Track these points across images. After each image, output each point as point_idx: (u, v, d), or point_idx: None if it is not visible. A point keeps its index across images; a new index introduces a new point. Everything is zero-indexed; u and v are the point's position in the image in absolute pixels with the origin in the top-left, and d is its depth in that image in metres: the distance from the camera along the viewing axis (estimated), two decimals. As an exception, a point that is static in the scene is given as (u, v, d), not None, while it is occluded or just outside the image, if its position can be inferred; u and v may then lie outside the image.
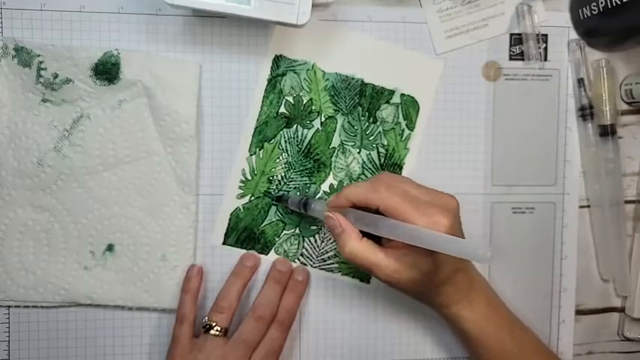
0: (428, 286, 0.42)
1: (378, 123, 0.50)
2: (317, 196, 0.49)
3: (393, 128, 0.50)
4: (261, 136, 0.49)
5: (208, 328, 0.44)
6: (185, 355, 0.44)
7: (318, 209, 0.44)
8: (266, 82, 0.48)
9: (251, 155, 0.49)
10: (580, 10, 0.50)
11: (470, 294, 0.44)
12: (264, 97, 0.48)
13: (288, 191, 0.49)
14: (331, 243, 0.50)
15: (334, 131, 0.49)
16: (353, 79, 0.49)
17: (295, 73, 0.49)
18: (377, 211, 0.40)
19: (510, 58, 0.51)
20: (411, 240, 0.37)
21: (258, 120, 0.48)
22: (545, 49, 0.51)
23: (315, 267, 0.50)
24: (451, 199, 0.41)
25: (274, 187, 0.49)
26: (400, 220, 0.38)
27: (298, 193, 0.49)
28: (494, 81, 0.51)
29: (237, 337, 0.44)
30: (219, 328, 0.44)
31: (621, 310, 0.53)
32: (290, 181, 0.49)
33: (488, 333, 0.44)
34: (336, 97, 0.49)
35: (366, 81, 0.49)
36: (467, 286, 0.44)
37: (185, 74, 0.46)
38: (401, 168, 0.50)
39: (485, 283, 0.46)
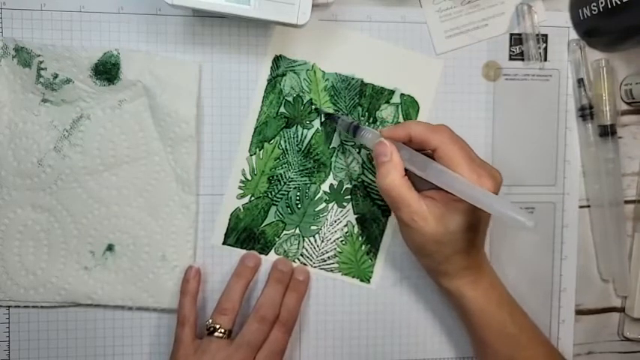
0: (442, 247, 0.42)
1: (378, 123, 0.50)
2: (317, 197, 0.49)
3: (393, 128, 0.50)
4: (261, 136, 0.49)
5: (212, 330, 0.44)
6: (189, 356, 0.44)
7: (369, 137, 0.44)
8: (266, 82, 0.48)
9: (251, 155, 0.49)
10: (580, 10, 0.50)
11: (476, 273, 0.44)
12: (264, 97, 0.48)
13: (288, 191, 0.49)
14: (331, 243, 0.50)
15: (334, 131, 0.49)
16: (353, 79, 0.49)
17: (295, 73, 0.49)
18: (428, 156, 0.41)
19: (510, 58, 0.51)
20: (458, 191, 0.37)
21: (258, 120, 0.48)
22: (545, 49, 0.51)
23: (315, 267, 0.50)
24: (499, 173, 0.42)
25: (274, 187, 0.49)
26: (450, 169, 0.39)
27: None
28: (494, 81, 0.51)
29: (241, 338, 0.44)
30: (222, 330, 0.44)
31: (621, 310, 0.53)
32: (290, 181, 0.49)
33: (490, 312, 0.44)
34: (336, 97, 0.49)
35: (366, 81, 0.49)
36: (476, 264, 0.44)
37: (185, 74, 0.46)
38: (401, 168, 0.50)
39: (491, 268, 0.46)
